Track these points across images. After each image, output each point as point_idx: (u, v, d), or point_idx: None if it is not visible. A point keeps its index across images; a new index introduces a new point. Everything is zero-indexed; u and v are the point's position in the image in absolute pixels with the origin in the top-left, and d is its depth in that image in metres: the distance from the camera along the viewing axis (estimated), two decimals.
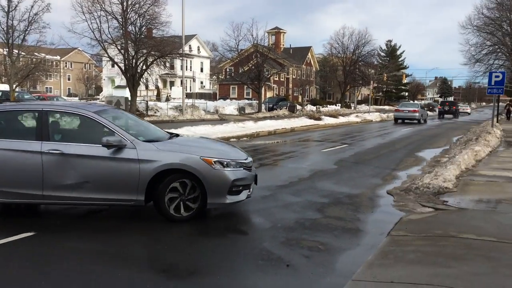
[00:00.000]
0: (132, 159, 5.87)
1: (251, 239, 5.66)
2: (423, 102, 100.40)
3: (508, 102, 35.31)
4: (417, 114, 32.58)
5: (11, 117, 6.53)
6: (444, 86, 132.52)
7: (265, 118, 37.98)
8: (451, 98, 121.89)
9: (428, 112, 58.10)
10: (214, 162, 6.01)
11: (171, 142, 6.53)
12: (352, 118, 32.97)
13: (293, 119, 27.01)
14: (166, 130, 7.66)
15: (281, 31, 71.48)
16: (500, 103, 35.39)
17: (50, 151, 5.83)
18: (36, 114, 6.19)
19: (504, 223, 5.95)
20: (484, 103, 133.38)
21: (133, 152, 5.89)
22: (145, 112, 33.42)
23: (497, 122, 21.62)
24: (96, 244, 5.27)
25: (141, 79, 31.58)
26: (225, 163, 6.09)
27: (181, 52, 32.76)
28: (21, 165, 5.85)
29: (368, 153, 14.00)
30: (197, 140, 7.63)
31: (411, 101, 61.73)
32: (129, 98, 32.44)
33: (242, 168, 6.27)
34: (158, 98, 59.68)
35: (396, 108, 38.63)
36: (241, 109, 45.82)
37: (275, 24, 74.96)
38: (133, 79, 30.28)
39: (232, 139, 16.53)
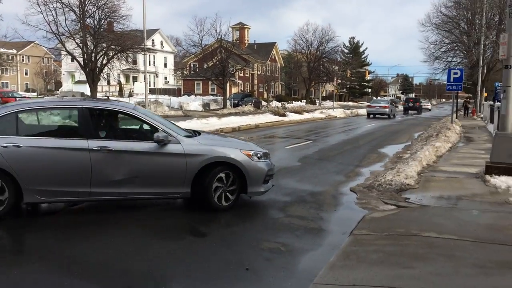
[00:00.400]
0: (179, 154, 6.11)
1: (209, 240, 5.41)
2: (385, 98, 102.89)
3: (465, 99, 36.43)
4: (387, 109, 35.27)
5: (49, 114, 6.72)
6: (405, 82, 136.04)
7: (230, 114, 37.66)
8: (412, 95, 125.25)
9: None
10: (252, 154, 6.55)
11: (205, 138, 6.86)
12: (317, 114, 33.16)
13: (258, 115, 26.85)
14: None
15: (245, 26, 71.18)
16: (459, 100, 36.50)
17: (98, 148, 5.84)
18: (76, 111, 6.18)
19: (464, 220, 5.95)
20: (443, 100, 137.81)
21: (179, 147, 6.13)
22: None
23: (456, 118, 22.20)
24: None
25: (101, 74, 30.57)
26: (259, 155, 6.65)
27: (142, 46, 31.92)
28: (69, 163, 5.81)
29: (332, 150, 13.99)
30: (221, 136, 8.42)
31: (380, 98, 66.61)
32: (86, 94, 31.35)
33: (269, 160, 6.87)
34: (121, 93, 58.27)
35: (368, 104, 41.34)
36: (206, 105, 45.32)
37: (239, 20, 74.47)
38: (92, 74, 29.29)
39: None
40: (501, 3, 41.43)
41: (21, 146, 5.66)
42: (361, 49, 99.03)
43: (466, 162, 10.88)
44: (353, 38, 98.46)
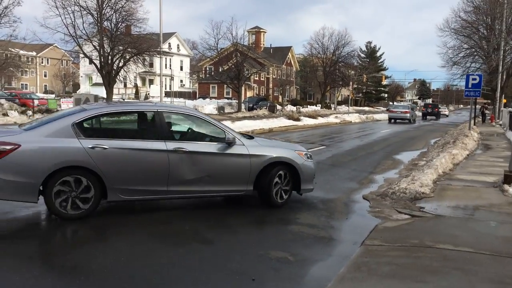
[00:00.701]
0: (244, 154, 6.64)
1: (215, 249, 5.27)
2: (402, 103, 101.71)
3: (482, 105, 35.73)
4: (408, 115, 36.58)
5: (127, 117, 7.20)
6: (422, 88, 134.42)
7: (244, 118, 37.60)
8: (429, 100, 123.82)
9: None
10: (304, 154, 7.26)
11: (262, 140, 7.58)
12: (331, 119, 32.87)
13: (272, 119, 26.71)
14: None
15: (261, 30, 71.23)
16: (476, 106, 35.88)
17: (175, 149, 6.22)
18: (152, 114, 6.55)
19: (481, 232, 5.72)
20: (461, 105, 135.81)
21: (244, 149, 6.67)
22: None
23: (474, 124, 21.75)
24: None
25: (118, 77, 30.79)
26: (308, 155, 7.38)
27: (158, 49, 32.08)
28: (149, 163, 6.13)
29: (346, 155, 13.78)
30: (269, 138, 8.87)
31: (401, 103, 66.99)
32: (99, 96, 31.69)
33: (313, 160, 7.55)
34: (137, 96, 58.76)
35: (389, 109, 42.63)
36: (220, 109, 45.34)
37: (256, 24, 74.48)
38: (109, 76, 29.50)
39: None
40: None
41: (106, 148, 5.91)
42: (378, 54, 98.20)
43: (484, 170, 10.58)
44: (369, 42, 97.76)
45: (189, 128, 7.10)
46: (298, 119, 26.86)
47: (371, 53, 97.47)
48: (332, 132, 23.53)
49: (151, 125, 6.55)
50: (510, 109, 27.87)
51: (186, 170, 6.27)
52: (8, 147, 5.53)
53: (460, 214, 6.58)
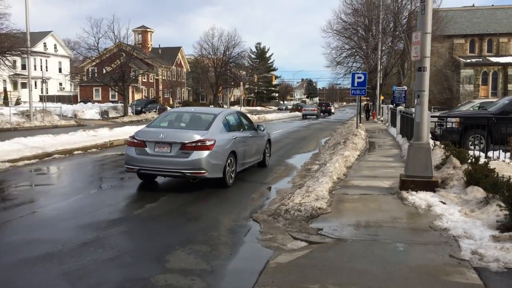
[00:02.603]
0: (264, 136, 11.67)
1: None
2: (292, 103, 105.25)
3: (367, 102, 37.44)
4: (316, 111, 51.29)
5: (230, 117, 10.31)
6: (310, 87, 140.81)
7: (131, 122, 34.94)
8: (316, 99, 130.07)
9: (297, 113, 60.50)
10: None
11: (264, 129, 11.94)
12: None
13: None
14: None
15: (148, 30, 68.00)
16: (361, 104, 37.63)
17: (251, 136, 10.54)
18: (237, 115, 10.81)
19: (391, 261, 4.71)
20: (344, 103, 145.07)
21: (264, 133, 11.73)
22: None
23: (360, 122, 22.11)
24: None
25: None
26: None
27: (24, 49, 28.11)
28: (247, 145, 10.16)
29: None
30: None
31: (310, 103, 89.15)
32: None
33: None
34: (6, 102, 52.00)
35: (303, 108, 57.03)
36: (104, 113, 41.80)
37: (145, 24, 70.66)
38: None
39: (76, 152, 13.77)
40: (395, 11, 43.66)
41: (236, 137, 9.44)
42: (268, 55, 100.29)
43: (377, 173, 10.03)
44: (259, 43, 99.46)
45: (239, 123, 10.52)
46: None
47: (261, 54, 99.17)
48: None
49: (241, 122, 10.67)
50: (390, 105, 29.24)
51: (251, 148, 10.47)
52: (212, 142, 8.40)
53: (363, 236, 5.58)
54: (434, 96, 50.63)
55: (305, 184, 8.45)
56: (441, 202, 6.84)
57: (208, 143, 8.27)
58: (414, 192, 7.38)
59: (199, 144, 8.20)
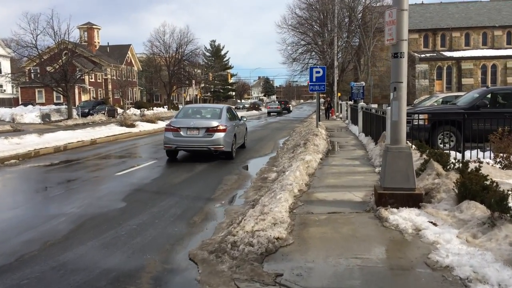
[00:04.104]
0: (245, 124, 15.62)
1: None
2: (249, 101, 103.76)
3: (326, 99, 36.32)
4: (279, 109, 56.79)
5: (232, 109, 15.27)
6: (267, 85, 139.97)
7: (76, 126, 32.18)
8: (274, 97, 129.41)
9: (254, 111, 59.07)
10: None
11: (243, 119, 15.69)
12: None
13: (101, 127, 22.33)
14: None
15: (94, 26, 64.37)
16: (315, 100, 36.59)
17: (235, 124, 13.91)
18: (219, 109, 13.87)
19: None
20: (302, 100, 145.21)
21: (245, 122, 15.58)
22: None
23: (319, 120, 20.77)
24: None
25: None
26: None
27: None
28: (238, 129, 14.21)
29: (180, 171, 10.75)
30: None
31: (267, 101, 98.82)
32: None
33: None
34: None
35: (268, 106, 63.38)
36: (45, 117, 38.54)
37: (96, 23, 66.79)
38: None
39: None
40: (350, 6, 42.95)
41: (234, 124, 13.58)
42: (223, 52, 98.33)
43: (345, 181, 8.54)
44: (213, 41, 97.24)
45: (232, 115, 14.29)
46: (132, 125, 22.93)
47: (216, 52, 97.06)
48: None
49: (235, 114, 15.23)
50: (350, 102, 28.20)
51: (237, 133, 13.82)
52: (224, 127, 12.38)
53: (339, 285, 3.98)
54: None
55: (260, 202, 6.80)
56: (431, 223, 5.38)
57: (222, 127, 12.33)
58: (395, 210, 5.89)
59: (219, 128, 12.26)
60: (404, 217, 5.63)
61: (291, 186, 7.33)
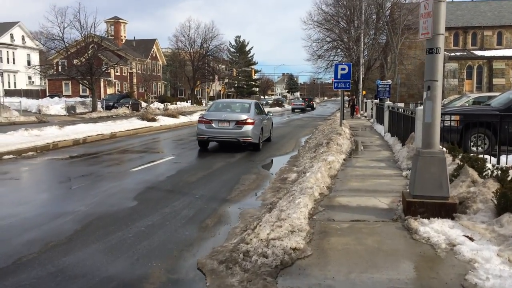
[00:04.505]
0: (271, 119, 16.84)
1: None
2: (273, 97, 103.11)
3: (352, 97, 35.46)
4: (303, 106, 56.92)
5: (259, 105, 16.21)
6: (291, 81, 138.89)
7: (100, 118, 32.40)
8: (297, 94, 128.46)
9: (277, 108, 58.52)
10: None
11: (270, 114, 17.00)
12: (195, 117, 29.39)
13: (120, 121, 22.22)
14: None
15: (120, 21, 64.84)
16: (339, 98, 35.74)
17: (264, 118, 15.28)
18: (250, 104, 14.86)
19: None
20: (326, 98, 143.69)
21: (271, 117, 16.86)
22: None
23: (343, 119, 20.10)
24: None
25: None
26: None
27: None
28: (263, 124, 14.86)
29: (197, 169, 10.39)
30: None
31: (291, 98, 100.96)
32: None
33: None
34: None
35: (292, 103, 63.90)
36: (70, 109, 38.96)
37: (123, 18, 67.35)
38: None
39: (6, 156, 11.40)
40: (378, 2, 41.86)
41: (261, 118, 14.69)
42: (247, 48, 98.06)
43: (369, 184, 8.00)
44: (238, 37, 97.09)
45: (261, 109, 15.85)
46: (153, 119, 22.75)
47: (241, 48, 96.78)
48: (192, 134, 19.94)
49: (262, 109, 16.31)
50: (376, 100, 27.39)
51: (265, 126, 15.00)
52: (253, 120, 13.43)
53: None
54: (418, 90, 49.24)
55: (278, 205, 6.36)
56: (467, 237, 4.82)
57: (250, 120, 13.36)
58: (425, 220, 5.35)
59: (247, 121, 13.27)
60: (436, 229, 5.09)
61: (311, 189, 6.84)
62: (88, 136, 15.65)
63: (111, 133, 17.34)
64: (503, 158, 9.38)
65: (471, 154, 7.62)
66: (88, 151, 13.51)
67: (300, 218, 5.50)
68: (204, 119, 13.47)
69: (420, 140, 9.36)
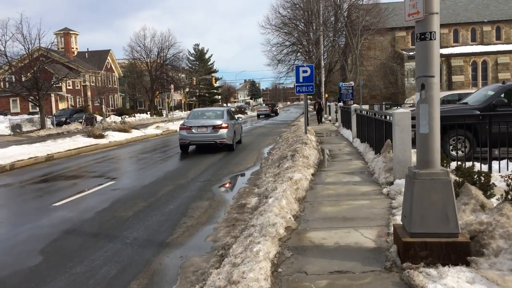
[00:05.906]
0: (241, 123, 19.87)
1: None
2: (235, 104, 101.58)
3: (317, 100, 34.14)
4: (268, 111, 58.39)
5: (231, 112, 20.49)
6: (253, 88, 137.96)
7: (48, 136, 29.85)
8: (260, 100, 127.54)
9: (240, 115, 57.00)
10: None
11: (239, 119, 20.49)
12: (151, 130, 27.41)
13: (62, 139, 20.00)
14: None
15: (71, 32, 61.68)
16: (302, 102, 34.55)
17: (234, 122, 17.73)
18: (223, 111, 17.79)
19: None
20: (288, 102, 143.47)
21: (241, 121, 20.23)
22: None
23: (308, 125, 18.67)
24: None
25: None
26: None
27: None
28: (237, 129, 18.27)
29: (138, 197, 8.60)
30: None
31: (254, 104, 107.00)
32: None
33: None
34: None
35: (257, 109, 66.08)
36: (16, 127, 35.98)
37: (78, 30, 63.98)
38: None
39: None
40: (336, 3, 41.15)
41: (233, 123, 16.98)
42: (207, 56, 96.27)
43: (346, 208, 6.48)
44: (197, 45, 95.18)
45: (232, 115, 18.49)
46: (101, 136, 20.58)
47: (200, 56, 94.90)
48: (143, 150, 18.05)
49: (232, 114, 19.00)
50: (340, 104, 26.24)
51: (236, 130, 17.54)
52: (227, 124, 15.86)
53: None
54: (380, 91, 48.87)
55: (230, 254, 4.71)
56: None
57: (225, 125, 15.78)
58: (432, 271, 3.83)
59: (222, 125, 15.67)
60: (447, 285, 3.58)
61: (275, 227, 5.23)
62: (17, 161, 13.49)
63: (47, 155, 15.15)
64: (495, 165, 8.11)
65: (474, 170, 6.22)
66: (9, 180, 11.42)
67: (259, 279, 3.87)
68: (185, 126, 15.87)
69: (400, 150, 8.00)
